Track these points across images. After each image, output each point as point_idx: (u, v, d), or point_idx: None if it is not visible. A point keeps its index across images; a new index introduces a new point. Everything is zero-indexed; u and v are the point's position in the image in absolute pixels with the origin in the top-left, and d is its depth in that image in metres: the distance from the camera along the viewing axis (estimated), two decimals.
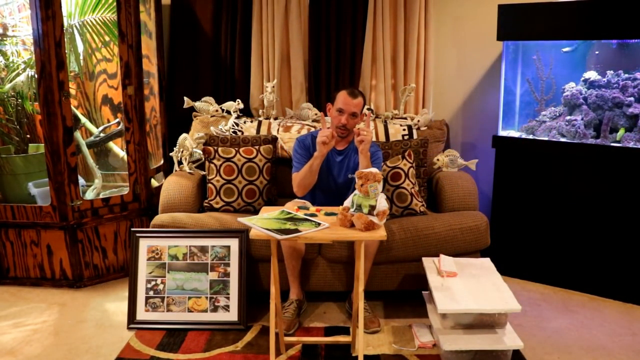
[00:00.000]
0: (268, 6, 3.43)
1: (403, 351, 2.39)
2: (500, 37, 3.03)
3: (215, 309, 2.61)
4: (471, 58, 3.52)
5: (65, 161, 2.91)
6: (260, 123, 3.39)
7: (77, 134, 3.33)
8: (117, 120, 3.50)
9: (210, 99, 3.44)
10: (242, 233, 2.64)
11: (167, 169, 3.54)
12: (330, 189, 2.76)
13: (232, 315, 2.60)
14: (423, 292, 2.62)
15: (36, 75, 2.91)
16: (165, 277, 2.65)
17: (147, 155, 3.26)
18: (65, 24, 2.86)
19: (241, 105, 3.40)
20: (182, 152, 3.12)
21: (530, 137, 3.11)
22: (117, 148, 3.57)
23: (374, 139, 3.16)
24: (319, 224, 2.03)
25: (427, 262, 2.56)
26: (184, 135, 3.14)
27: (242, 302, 2.60)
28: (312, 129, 3.22)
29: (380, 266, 2.70)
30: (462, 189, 2.95)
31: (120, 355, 2.36)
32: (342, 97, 2.64)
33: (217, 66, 3.61)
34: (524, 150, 3.08)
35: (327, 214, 2.16)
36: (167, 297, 2.63)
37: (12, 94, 3.27)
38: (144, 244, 2.69)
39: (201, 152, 3.08)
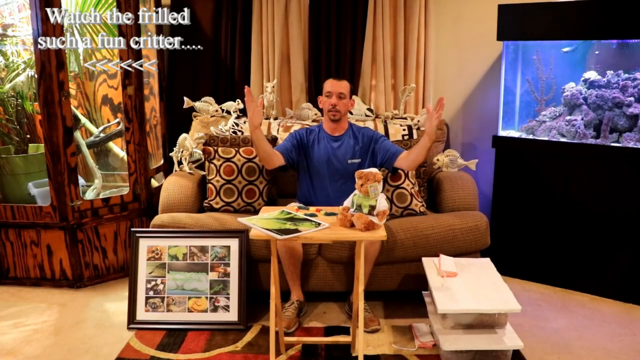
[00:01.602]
0: (268, 6, 3.44)
1: (403, 351, 2.39)
2: (500, 37, 3.03)
3: (215, 309, 2.61)
4: (471, 58, 3.52)
5: (65, 161, 2.91)
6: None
7: (77, 134, 3.33)
8: (117, 120, 3.50)
9: (210, 99, 3.44)
10: (242, 233, 2.64)
11: (167, 169, 3.54)
12: (336, 177, 2.77)
13: (232, 315, 2.60)
14: (423, 292, 2.61)
15: (36, 75, 2.92)
16: (165, 277, 2.65)
17: (147, 155, 3.26)
18: (65, 23, 2.86)
19: (241, 106, 3.39)
20: (182, 152, 3.12)
21: (530, 137, 3.11)
22: (117, 148, 3.57)
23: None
24: (319, 224, 2.02)
25: (427, 262, 2.56)
26: (184, 135, 3.14)
27: (242, 302, 2.60)
28: None
29: (381, 266, 2.70)
30: (462, 189, 2.95)
31: (120, 356, 2.37)
32: (328, 82, 2.79)
33: (217, 66, 3.61)
34: (524, 150, 3.08)
35: (327, 214, 2.16)
36: (167, 297, 2.63)
37: (12, 94, 3.27)
38: (144, 244, 2.69)
39: (201, 152, 3.08)
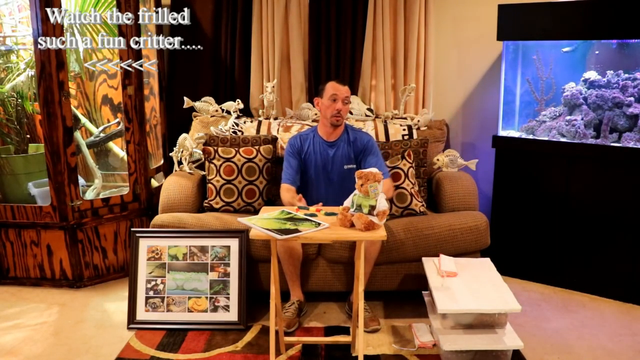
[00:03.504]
0: (268, 6, 3.43)
1: (403, 351, 2.39)
2: (500, 37, 3.03)
3: (215, 309, 2.61)
4: (471, 58, 3.52)
5: (65, 161, 2.91)
6: (260, 123, 3.39)
7: (77, 134, 3.33)
8: (117, 120, 3.50)
9: (210, 99, 3.44)
10: (242, 233, 2.64)
11: (167, 169, 3.54)
12: (333, 182, 2.77)
13: (232, 315, 2.60)
14: (423, 292, 2.62)
15: (36, 75, 2.92)
16: (165, 277, 2.65)
17: (147, 155, 3.26)
18: (65, 23, 2.86)
19: (241, 105, 3.40)
20: (182, 152, 3.13)
21: (530, 137, 3.11)
22: (117, 148, 3.57)
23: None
24: (319, 224, 2.02)
25: (427, 262, 2.56)
26: (184, 135, 3.14)
27: (242, 302, 2.60)
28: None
29: (381, 266, 2.70)
30: (462, 189, 2.95)
31: (120, 355, 2.37)
32: (332, 85, 2.71)
33: (217, 66, 3.61)
34: (524, 150, 3.08)
35: (327, 214, 2.16)
36: (167, 297, 2.63)
37: (12, 94, 3.27)
38: (144, 244, 2.69)
39: (201, 152, 3.08)
